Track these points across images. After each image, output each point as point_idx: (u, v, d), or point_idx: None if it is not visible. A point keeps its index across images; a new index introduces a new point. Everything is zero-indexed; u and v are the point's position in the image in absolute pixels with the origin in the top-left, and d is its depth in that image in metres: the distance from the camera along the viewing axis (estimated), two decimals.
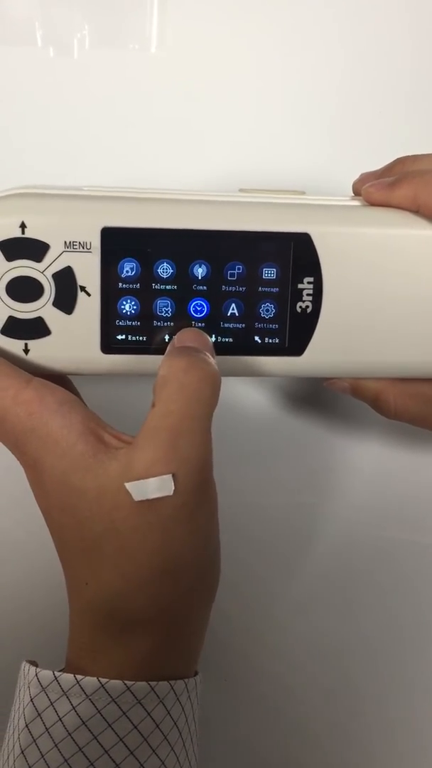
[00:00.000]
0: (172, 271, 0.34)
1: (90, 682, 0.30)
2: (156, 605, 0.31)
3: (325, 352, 0.35)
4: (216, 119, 0.45)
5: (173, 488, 0.29)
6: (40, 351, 0.33)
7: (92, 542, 0.30)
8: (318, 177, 0.43)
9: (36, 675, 0.31)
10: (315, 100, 0.45)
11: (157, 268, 0.33)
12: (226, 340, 0.35)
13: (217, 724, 0.47)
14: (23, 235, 0.32)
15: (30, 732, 0.30)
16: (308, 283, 0.34)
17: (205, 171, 0.44)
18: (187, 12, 0.44)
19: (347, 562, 0.47)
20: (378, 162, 0.37)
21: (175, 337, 0.33)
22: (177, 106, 0.45)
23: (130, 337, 0.34)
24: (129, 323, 0.34)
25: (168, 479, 0.29)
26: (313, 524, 0.47)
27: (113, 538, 0.30)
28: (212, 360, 0.31)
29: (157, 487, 0.29)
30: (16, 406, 0.31)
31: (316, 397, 0.47)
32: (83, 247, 0.32)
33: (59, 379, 0.34)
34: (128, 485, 0.29)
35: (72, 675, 0.30)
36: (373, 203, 0.35)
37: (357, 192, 0.37)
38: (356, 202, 0.35)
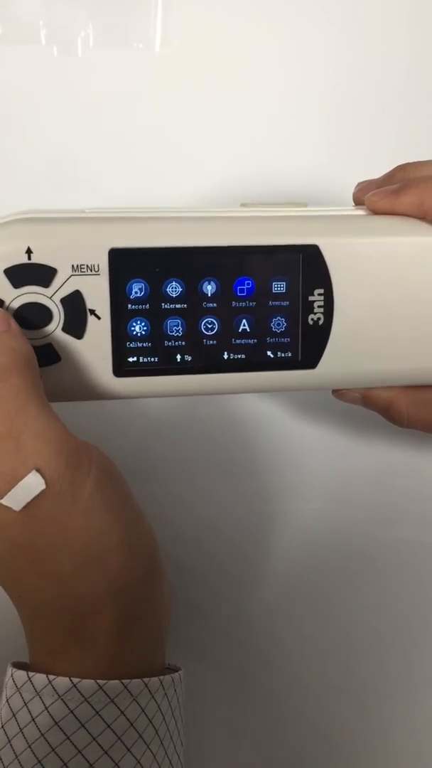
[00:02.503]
0: (181, 289, 0.33)
1: (62, 682, 0.30)
2: (92, 592, 0.30)
3: (339, 363, 0.35)
4: (219, 117, 0.45)
5: (44, 480, 0.29)
6: (50, 378, 0.32)
7: (5, 564, 0.30)
8: (320, 178, 0.43)
9: (11, 675, 0.31)
10: (318, 100, 0.46)
11: (166, 288, 0.33)
12: (239, 356, 0.34)
13: (222, 717, 0.47)
14: (29, 261, 0.31)
15: (6, 733, 0.30)
16: (318, 295, 0.34)
17: (207, 169, 0.44)
18: (192, 11, 0.44)
19: (354, 563, 0.48)
20: (379, 169, 0.37)
21: None
22: (180, 105, 0.45)
23: (141, 359, 0.33)
24: (140, 345, 0.33)
25: (34, 475, 0.29)
26: (320, 528, 0.47)
27: (21, 553, 0.30)
28: (6, 338, 0.31)
29: (29, 487, 0.29)
30: None
31: (318, 403, 0.47)
32: (91, 270, 0.32)
33: None
34: (4, 501, 0.29)
35: (45, 675, 0.30)
36: (377, 212, 0.35)
37: (358, 201, 0.37)
38: (360, 211, 0.35)
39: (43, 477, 0.29)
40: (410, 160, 0.36)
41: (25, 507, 0.29)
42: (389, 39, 0.46)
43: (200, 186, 0.44)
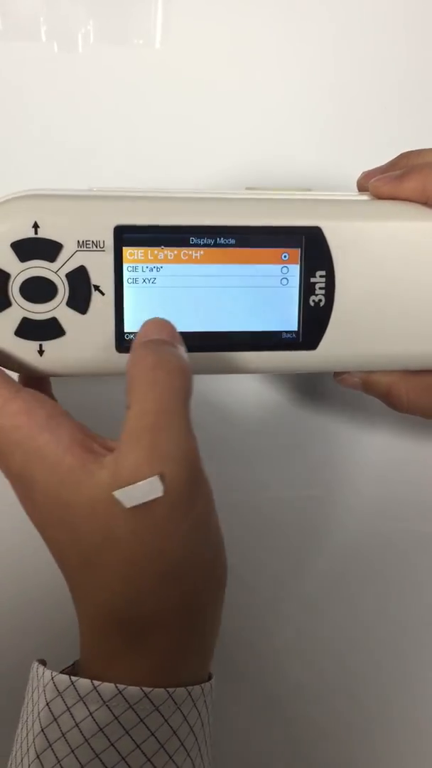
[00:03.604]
0: None
1: (107, 688, 0.30)
2: (165, 607, 0.30)
3: (340, 345, 0.35)
4: (219, 114, 0.46)
5: (162, 489, 0.28)
6: (54, 352, 0.33)
7: (92, 554, 0.30)
8: (324, 170, 0.43)
9: (52, 679, 0.31)
10: (319, 94, 0.46)
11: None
12: (240, 336, 0.34)
13: (223, 717, 0.46)
14: (36, 235, 0.32)
15: (46, 737, 0.30)
16: (320, 276, 0.34)
17: (209, 164, 0.45)
18: (192, 7, 0.45)
19: (358, 555, 0.48)
20: (382, 157, 0.37)
21: (139, 331, 0.31)
22: (181, 102, 0.45)
23: None
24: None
25: (155, 481, 0.28)
26: (323, 517, 0.47)
27: (113, 548, 0.29)
28: (179, 349, 0.31)
29: (146, 490, 0.28)
30: (2, 417, 0.30)
31: (321, 390, 0.47)
32: (96, 246, 0.32)
33: (43, 386, 0.34)
34: (117, 494, 0.28)
35: (89, 681, 0.30)
36: (381, 197, 0.35)
37: (362, 189, 0.38)
38: (364, 197, 0.36)
39: (164, 485, 0.28)
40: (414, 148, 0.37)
41: (136, 506, 0.28)
42: (390, 30, 0.46)
43: (201, 181, 0.45)
